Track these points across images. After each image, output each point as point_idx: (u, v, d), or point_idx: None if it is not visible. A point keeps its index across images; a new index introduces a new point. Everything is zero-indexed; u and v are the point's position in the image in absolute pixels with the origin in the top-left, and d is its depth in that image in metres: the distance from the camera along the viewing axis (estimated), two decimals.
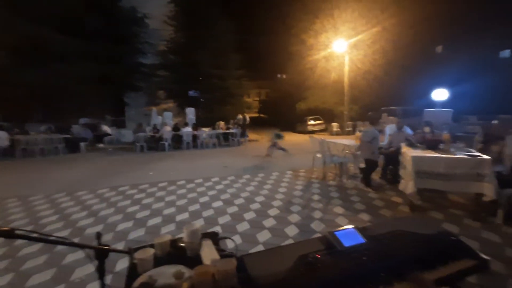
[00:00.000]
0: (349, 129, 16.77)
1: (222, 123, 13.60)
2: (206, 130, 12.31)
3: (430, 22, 16.59)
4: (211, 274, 0.94)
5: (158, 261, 1.09)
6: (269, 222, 3.41)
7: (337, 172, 5.74)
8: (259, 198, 4.39)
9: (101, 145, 11.75)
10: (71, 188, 5.07)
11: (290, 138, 15.89)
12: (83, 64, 14.76)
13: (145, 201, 4.32)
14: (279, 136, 9.69)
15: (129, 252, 1.12)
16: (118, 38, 18.07)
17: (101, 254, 0.99)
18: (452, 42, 18.77)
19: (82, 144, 10.68)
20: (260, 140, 14.88)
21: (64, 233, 3.20)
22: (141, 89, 20.43)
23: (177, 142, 11.45)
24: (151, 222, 3.51)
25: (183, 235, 1.18)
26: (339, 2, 17.29)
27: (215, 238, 1.31)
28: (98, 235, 1.03)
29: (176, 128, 11.91)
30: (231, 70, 19.77)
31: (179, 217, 3.64)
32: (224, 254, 1.19)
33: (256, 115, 35.05)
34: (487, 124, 4.08)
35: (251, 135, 15.65)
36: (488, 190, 3.19)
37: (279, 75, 28.79)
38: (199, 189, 4.94)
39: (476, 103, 11.93)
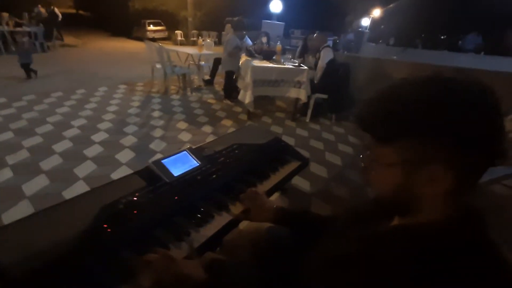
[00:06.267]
0: (194, 38, 15.66)
1: (6, 16, 8.88)
2: None
3: None
4: None
5: None
6: (93, 151, 2.68)
7: (180, 84, 5.26)
8: (78, 122, 3.34)
9: None
10: None
11: (125, 45, 13.11)
12: None
13: None
14: None
15: None
16: None
17: None
18: None
19: None
20: (80, 45, 11.32)
21: None
22: None
23: None
24: None
25: None
26: None
27: None
28: None
29: None
30: None
31: None
32: None
33: (73, 11, 26.14)
34: (308, 37, 4.65)
35: (68, 39, 11.58)
36: (303, 95, 3.85)
37: None
38: None
39: (302, 18, 13.62)
